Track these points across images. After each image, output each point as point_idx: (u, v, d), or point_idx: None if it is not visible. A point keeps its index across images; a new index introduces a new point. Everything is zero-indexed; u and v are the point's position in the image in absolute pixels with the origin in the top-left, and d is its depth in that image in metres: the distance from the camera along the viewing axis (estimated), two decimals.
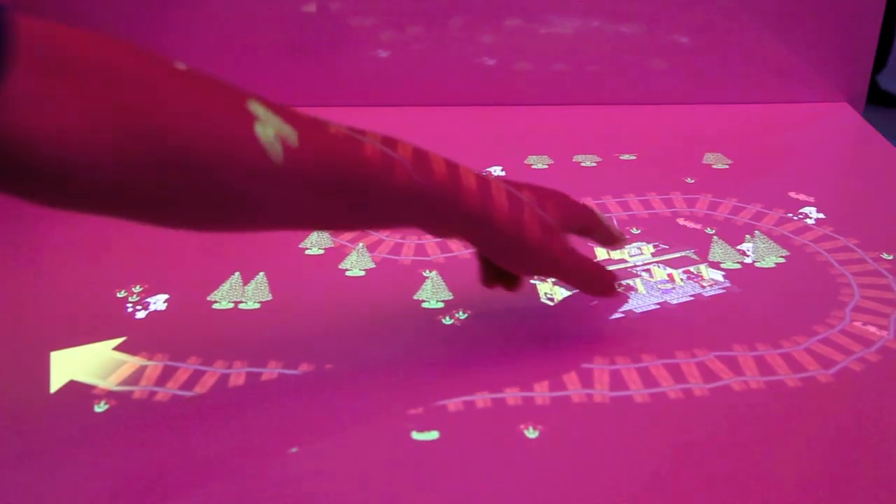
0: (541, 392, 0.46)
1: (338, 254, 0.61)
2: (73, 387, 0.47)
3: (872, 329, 0.51)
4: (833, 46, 0.87)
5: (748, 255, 0.60)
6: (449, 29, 0.87)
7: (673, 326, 0.52)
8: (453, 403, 0.45)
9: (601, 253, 0.60)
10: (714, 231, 0.63)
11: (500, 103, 0.90)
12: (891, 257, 0.59)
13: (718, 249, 0.60)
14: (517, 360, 0.49)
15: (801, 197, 0.68)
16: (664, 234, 0.63)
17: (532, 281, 0.56)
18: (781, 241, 0.62)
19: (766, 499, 0.39)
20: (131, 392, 0.46)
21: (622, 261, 0.59)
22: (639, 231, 0.63)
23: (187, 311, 0.54)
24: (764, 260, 0.59)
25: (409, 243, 0.62)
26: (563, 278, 0.49)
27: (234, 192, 0.37)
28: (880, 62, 2.48)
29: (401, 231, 0.63)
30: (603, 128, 0.85)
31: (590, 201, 0.68)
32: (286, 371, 0.48)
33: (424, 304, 0.54)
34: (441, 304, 0.54)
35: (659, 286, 0.56)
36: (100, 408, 0.45)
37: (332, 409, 0.45)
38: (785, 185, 0.70)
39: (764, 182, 0.73)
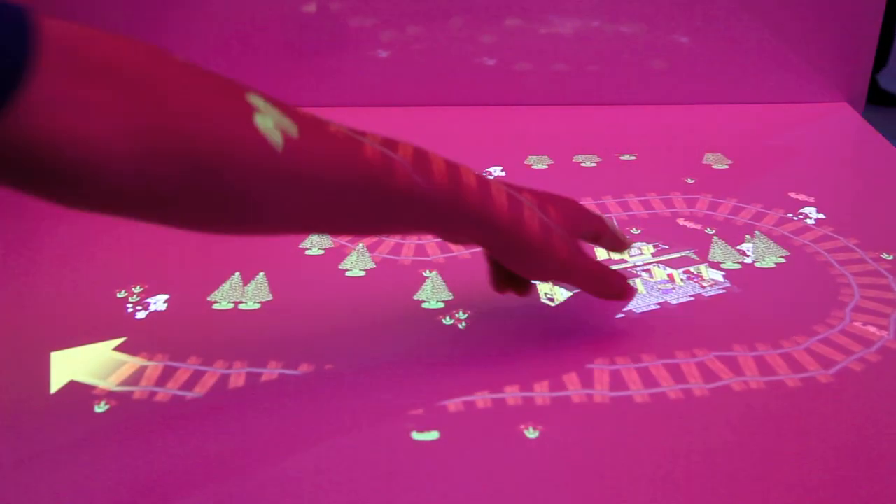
0: (541, 392, 0.46)
1: (338, 254, 0.61)
2: (73, 387, 0.47)
3: (872, 329, 0.51)
4: (833, 46, 0.87)
5: (748, 256, 0.60)
6: (449, 29, 0.87)
7: (673, 326, 0.52)
8: (453, 403, 0.45)
9: (601, 253, 0.60)
10: (714, 231, 0.63)
11: (500, 103, 0.90)
12: (891, 257, 0.59)
13: (718, 250, 0.60)
14: (517, 360, 0.49)
15: (801, 197, 0.68)
16: (664, 235, 0.63)
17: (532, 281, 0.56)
18: (781, 241, 0.62)
19: (766, 499, 0.39)
20: (131, 392, 0.46)
21: (622, 261, 0.59)
22: (639, 231, 0.63)
23: (187, 311, 0.54)
24: (764, 260, 0.59)
25: (409, 243, 0.62)
26: (573, 282, 0.49)
27: (237, 190, 0.37)
28: (880, 61, 2.48)
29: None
30: (603, 128, 0.85)
31: (590, 201, 0.68)
32: (286, 371, 0.48)
33: (424, 305, 0.54)
34: (441, 305, 0.54)
35: (659, 286, 0.56)
36: (100, 408, 0.45)
37: (332, 409, 0.45)
38: (785, 185, 0.70)
39: (764, 182, 0.73)
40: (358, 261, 0.60)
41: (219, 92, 0.36)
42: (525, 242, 0.44)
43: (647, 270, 0.58)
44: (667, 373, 0.47)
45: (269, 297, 0.55)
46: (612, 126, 0.86)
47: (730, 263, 0.59)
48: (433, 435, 0.43)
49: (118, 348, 0.50)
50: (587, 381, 0.47)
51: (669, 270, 0.58)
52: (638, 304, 0.54)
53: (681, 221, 0.65)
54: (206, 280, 0.57)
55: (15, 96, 0.30)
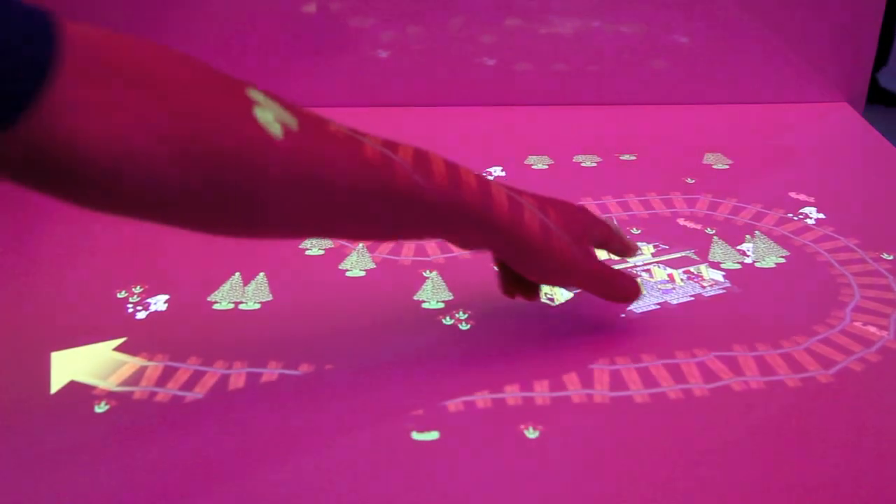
0: (541, 392, 0.46)
1: (338, 254, 0.61)
2: (73, 387, 0.47)
3: (872, 329, 0.51)
4: (833, 46, 0.87)
5: (748, 256, 0.60)
6: (449, 29, 0.87)
7: (673, 326, 0.52)
8: (453, 403, 0.45)
9: (601, 253, 0.59)
10: (714, 231, 0.63)
11: (500, 103, 0.90)
12: (891, 257, 0.59)
13: (718, 249, 0.60)
14: (517, 360, 0.49)
15: (802, 197, 0.68)
16: (664, 235, 0.63)
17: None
18: (781, 241, 0.62)
19: (766, 499, 0.39)
20: (132, 393, 0.46)
21: (622, 261, 0.59)
22: (639, 231, 0.63)
23: (187, 311, 0.54)
24: (764, 260, 0.59)
25: (409, 244, 0.62)
26: (576, 283, 0.49)
27: (244, 190, 0.37)
28: (881, 60, 2.48)
29: None
30: (603, 128, 0.85)
31: (590, 201, 0.68)
32: (286, 371, 0.48)
33: (425, 305, 0.54)
34: (441, 305, 0.54)
35: (659, 286, 0.56)
36: (100, 408, 0.45)
37: (332, 409, 0.45)
38: (785, 185, 0.70)
39: (764, 182, 0.73)
40: (358, 261, 0.60)
41: (220, 88, 0.37)
42: (525, 242, 0.44)
43: (648, 270, 0.58)
44: (667, 373, 0.47)
45: (270, 298, 0.55)
46: (612, 126, 0.86)
47: (730, 263, 0.59)
48: (433, 435, 0.43)
49: (118, 348, 0.50)
50: (587, 381, 0.47)
51: (669, 270, 0.58)
52: (638, 304, 0.54)
53: (681, 221, 0.65)
54: (207, 280, 0.57)
55: (38, 98, 0.30)
